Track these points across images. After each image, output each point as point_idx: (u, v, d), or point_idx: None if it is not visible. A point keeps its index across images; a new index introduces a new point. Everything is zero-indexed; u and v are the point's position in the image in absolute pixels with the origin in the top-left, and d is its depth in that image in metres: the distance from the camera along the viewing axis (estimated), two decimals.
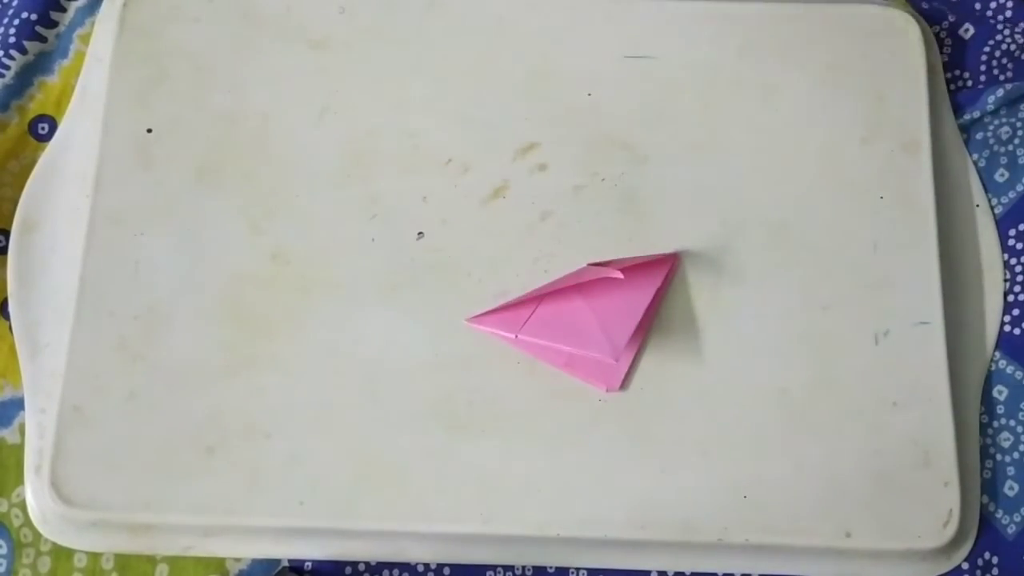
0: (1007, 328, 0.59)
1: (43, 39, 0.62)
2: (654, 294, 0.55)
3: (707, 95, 0.60)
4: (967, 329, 0.58)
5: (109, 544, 0.54)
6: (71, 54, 0.62)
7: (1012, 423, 0.57)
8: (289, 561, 0.55)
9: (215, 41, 0.60)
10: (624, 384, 0.55)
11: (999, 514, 0.56)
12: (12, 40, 0.61)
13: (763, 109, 0.60)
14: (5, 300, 0.58)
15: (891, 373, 0.56)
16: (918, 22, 0.62)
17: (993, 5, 0.64)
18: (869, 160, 0.59)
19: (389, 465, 0.54)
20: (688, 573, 0.55)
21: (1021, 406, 0.57)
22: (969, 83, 0.63)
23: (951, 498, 0.54)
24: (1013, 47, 0.63)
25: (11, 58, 0.61)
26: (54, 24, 0.62)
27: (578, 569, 0.56)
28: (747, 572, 0.55)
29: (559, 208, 0.58)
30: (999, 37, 0.63)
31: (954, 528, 0.54)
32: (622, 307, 0.55)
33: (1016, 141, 0.61)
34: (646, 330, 0.56)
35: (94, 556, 0.55)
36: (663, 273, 0.56)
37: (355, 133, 0.59)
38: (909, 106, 0.60)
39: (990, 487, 0.57)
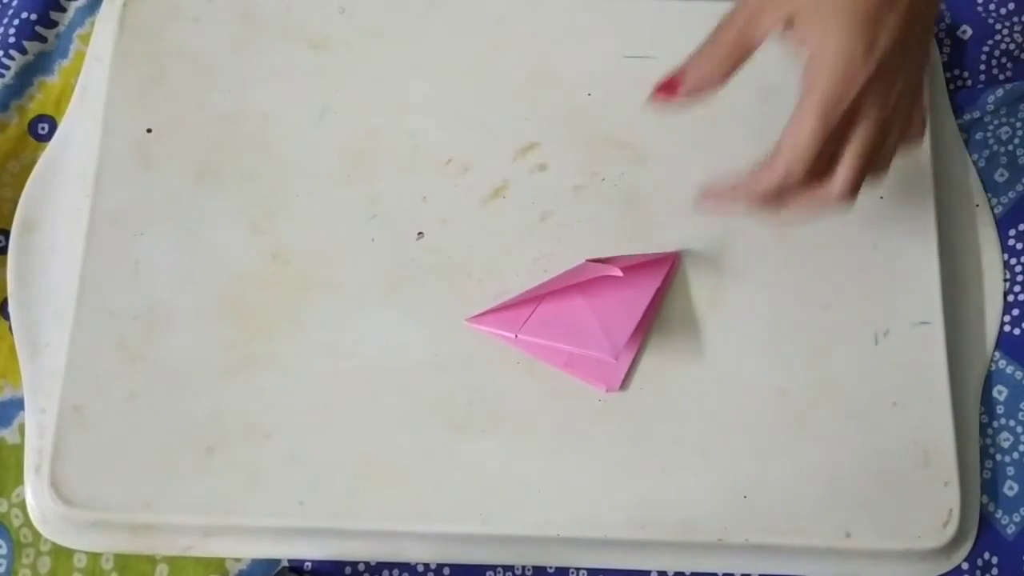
0: (1007, 328, 0.59)
1: (43, 39, 0.62)
2: (654, 293, 0.55)
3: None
4: (967, 329, 0.58)
5: (109, 544, 0.54)
6: (71, 54, 0.62)
7: (1012, 423, 0.57)
8: (289, 561, 0.55)
9: (215, 41, 0.60)
10: (624, 384, 0.55)
11: (999, 514, 0.56)
12: (12, 40, 0.61)
13: (763, 109, 0.60)
14: (5, 300, 0.58)
15: (891, 373, 0.56)
16: None
17: (992, 5, 0.64)
18: None
19: (389, 465, 0.54)
20: (688, 573, 0.55)
21: (1021, 406, 0.57)
22: (968, 83, 0.63)
23: (951, 498, 0.54)
24: (1012, 47, 0.63)
25: (11, 58, 0.61)
26: (54, 24, 0.62)
27: (578, 569, 0.56)
28: (747, 572, 0.55)
29: (559, 208, 0.58)
30: (998, 37, 0.63)
31: (954, 528, 0.54)
32: (622, 307, 0.55)
33: (1016, 141, 0.61)
34: (646, 330, 0.56)
35: (94, 556, 0.55)
36: (663, 272, 0.56)
37: (355, 133, 0.59)
38: None
39: (990, 487, 0.57)
